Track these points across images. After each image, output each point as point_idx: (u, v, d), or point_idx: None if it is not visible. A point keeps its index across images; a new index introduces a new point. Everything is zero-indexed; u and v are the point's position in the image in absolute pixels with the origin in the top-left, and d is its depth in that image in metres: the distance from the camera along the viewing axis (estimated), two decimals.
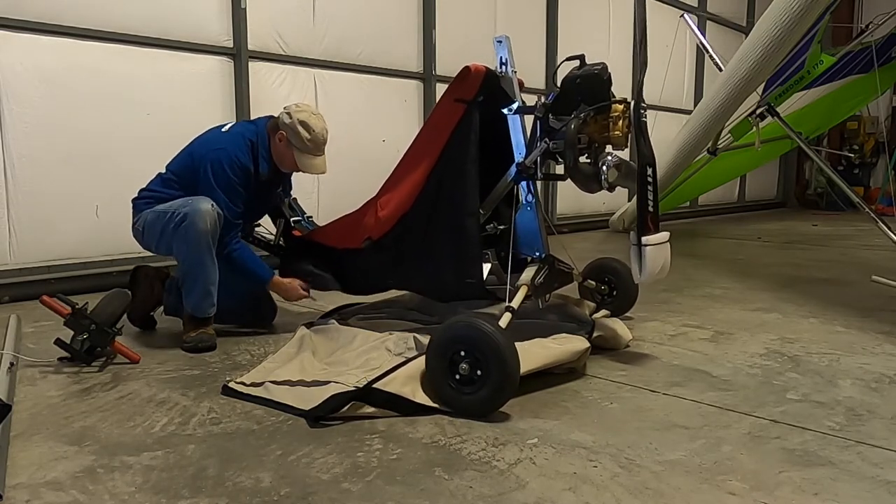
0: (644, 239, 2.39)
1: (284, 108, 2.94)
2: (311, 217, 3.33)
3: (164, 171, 2.99)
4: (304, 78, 5.11)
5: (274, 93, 4.91)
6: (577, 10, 7.39)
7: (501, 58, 2.76)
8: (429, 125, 2.79)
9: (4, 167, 3.72)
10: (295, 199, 3.36)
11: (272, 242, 3.29)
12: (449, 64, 6.06)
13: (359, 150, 5.38)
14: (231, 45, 4.65)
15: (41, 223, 3.88)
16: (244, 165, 2.86)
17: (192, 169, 2.88)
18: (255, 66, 4.77)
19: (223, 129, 2.98)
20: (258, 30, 4.78)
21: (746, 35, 5.45)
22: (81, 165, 3.97)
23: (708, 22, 9.24)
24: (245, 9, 4.64)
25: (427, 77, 6.01)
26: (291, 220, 3.27)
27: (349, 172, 5.17)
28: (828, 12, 5.10)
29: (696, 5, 9.22)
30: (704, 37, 7.01)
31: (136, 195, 2.99)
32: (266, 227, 3.32)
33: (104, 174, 4.02)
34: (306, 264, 3.10)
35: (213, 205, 2.75)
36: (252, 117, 4.69)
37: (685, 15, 7.24)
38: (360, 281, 3.08)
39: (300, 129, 2.86)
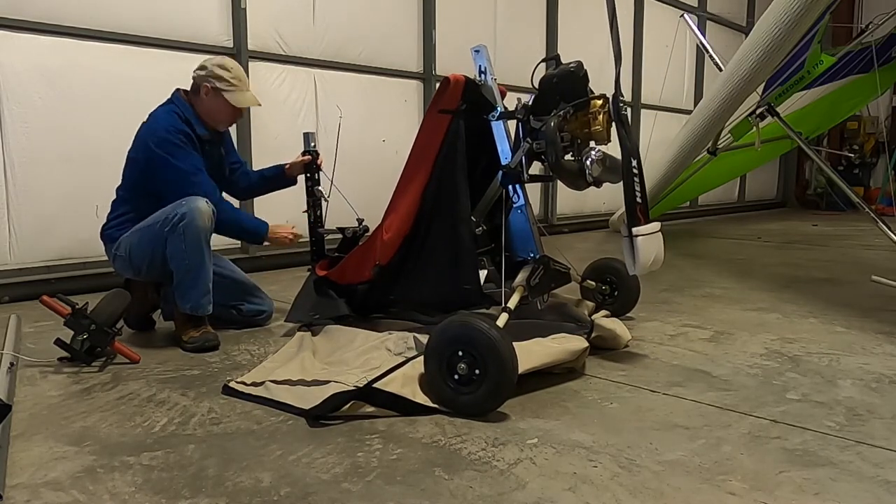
0: (635, 230, 2.40)
1: (194, 70, 2.98)
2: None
3: (115, 195, 3.01)
4: (304, 78, 5.11)
5: (274, 93, 4.91)
6: (577, 9, 7.38)
7: (480, 66, 2.81)
8: (419, 141, 2.81)
9: (4, 167, 3.72)
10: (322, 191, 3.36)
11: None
12: (449, 64, 6.04)
13: (359, 151, 5.38)
14: (231, 45, 4.64)
15: (41, 223, 3.87)
16: (181, 129, 2.86)
17: (139, 169, 2.88)
18: (255, 66, 4.77)
19: (144, 123, 2.97)
20: (258, 30, 4.78)
21: (746, 35, 5.46)
22: (81, 165, 3.97)
23: (708, 22, 9.23)
24: (245, 9, 4.64)
25: (427, 77, 6.00)
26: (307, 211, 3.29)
27: (349, 172, 5.14)
28: (828, 12, 5.10)
29: (696, 5, 9.21)
30: (704, 37, 7.01)
31: (103, 227, 2.99)
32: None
33: (104, 174, 3.98)
34: (318, 301, 3.06)
35: (207, 202, 2.75)
36: (252, 118, 4.73)
37: (685, 15, 7.24)
38: (367, 303, 3.04)
39: (220, 71, 2.93)
